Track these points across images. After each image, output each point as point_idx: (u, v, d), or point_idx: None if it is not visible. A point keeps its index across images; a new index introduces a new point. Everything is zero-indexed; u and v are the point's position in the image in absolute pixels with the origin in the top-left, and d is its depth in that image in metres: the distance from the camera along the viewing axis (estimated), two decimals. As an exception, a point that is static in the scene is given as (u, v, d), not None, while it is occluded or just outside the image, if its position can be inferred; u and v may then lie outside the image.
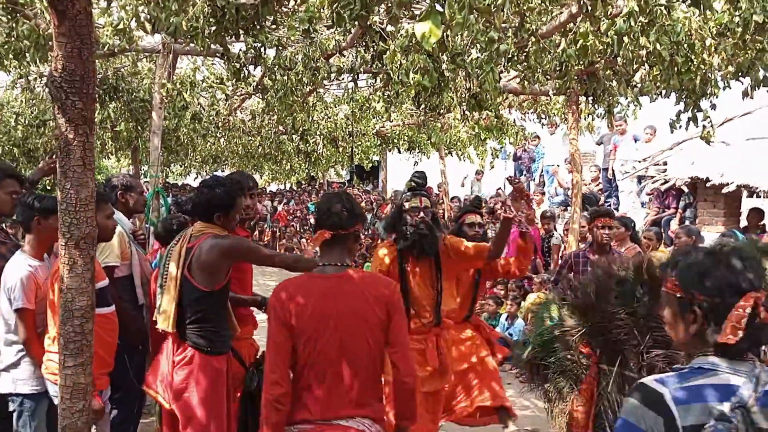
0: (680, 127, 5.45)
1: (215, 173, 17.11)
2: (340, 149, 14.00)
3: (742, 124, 9.01)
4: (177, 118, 7.95)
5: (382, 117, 10.63)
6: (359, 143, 13.49)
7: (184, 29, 3.62)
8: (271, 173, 20.42)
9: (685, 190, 8.97)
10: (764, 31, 4.59)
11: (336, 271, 2.41)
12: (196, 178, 20.85)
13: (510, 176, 3.84)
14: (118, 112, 8.07)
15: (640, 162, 9.99)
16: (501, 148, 12.63)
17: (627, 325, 2.71)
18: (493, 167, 13.70)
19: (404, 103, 8.66)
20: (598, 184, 11.28)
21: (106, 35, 5.55)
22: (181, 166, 20.24)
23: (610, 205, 10.01)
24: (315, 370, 2.32)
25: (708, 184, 8.26)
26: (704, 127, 5.52)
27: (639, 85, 6.22)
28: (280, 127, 11.84)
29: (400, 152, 14.48)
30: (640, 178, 10.25)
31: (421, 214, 3.69)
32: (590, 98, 6.51)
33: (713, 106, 5.45)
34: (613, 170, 10.94)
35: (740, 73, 5.25)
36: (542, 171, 12.89)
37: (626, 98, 6.76)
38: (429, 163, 15.15)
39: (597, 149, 12.59)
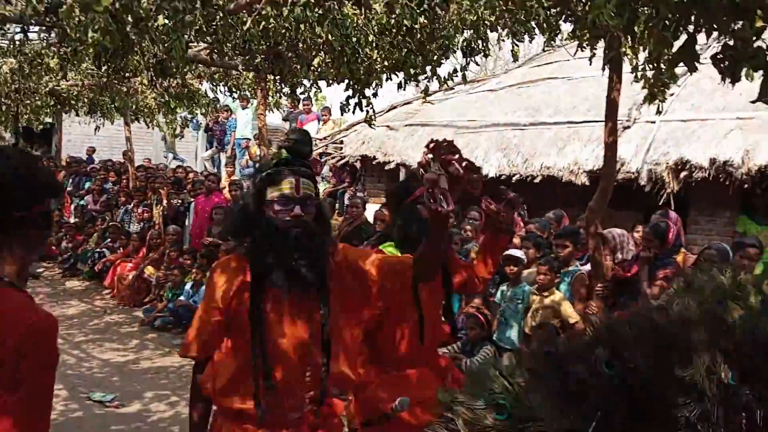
0: (348, 110, 6.24)
1: None
2: (4, 108, 12.23)
3: (403, 111, 10.57)
4: None
5: (57, 75, 9.62)
6: (28, 102, 11.94)
7: None
8: None
9: (358, 166, 10.19)
10: (413, 35, 5.55)
11: None
12: None
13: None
14: None
15: (321, 140, 11.00)
16: (192, 118, 12.52)
17: None
18: (182, 137, 13.49)
19: (84, 62, 8.02)
20: (285, 159, 12.03)
21: None
22: None
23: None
24: None
25: (374, 162, 9.53)
26: (367, 112, 6.39)
27: (318, 70, 6.88)
28: None
29: (78, 115, 13.22)
30: (321, 155, 11.27)
31: (297, 209, 1.99)
32: (277, 77, 6.96)
33: (375, 95, 6.34)
34: (298, 146, 11.79)
35: (396, 68, 6.23)
36: (234, 144, 13.18)
37: (308, 80, 7.41)
38: (112, 129, 14.22)
39: (285, 125, 13.36)
